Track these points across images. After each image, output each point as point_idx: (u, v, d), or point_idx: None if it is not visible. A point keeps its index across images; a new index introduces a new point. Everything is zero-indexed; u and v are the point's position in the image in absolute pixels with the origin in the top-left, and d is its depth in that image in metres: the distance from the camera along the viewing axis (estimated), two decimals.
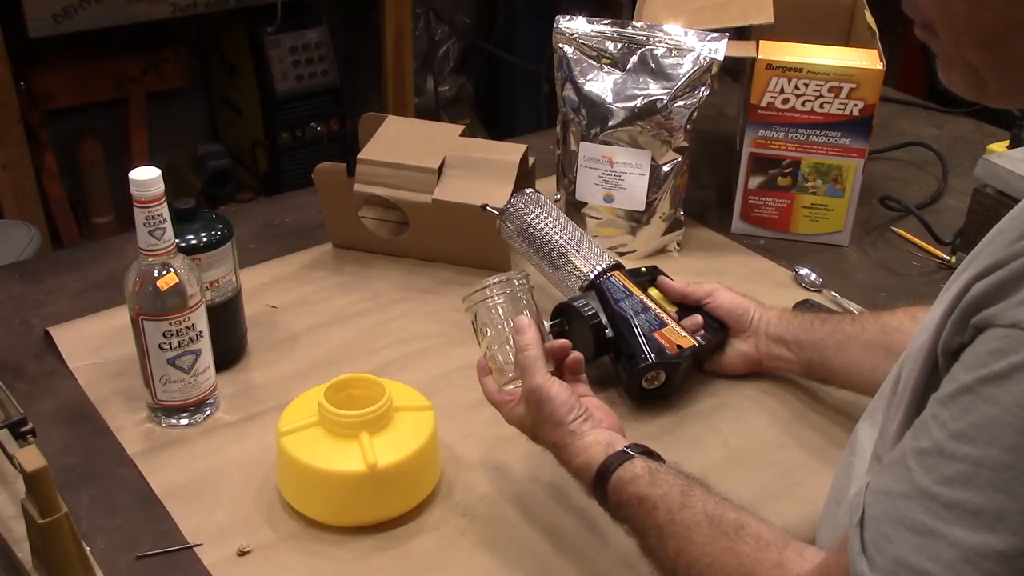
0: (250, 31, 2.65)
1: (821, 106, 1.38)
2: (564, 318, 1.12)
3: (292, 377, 1.15)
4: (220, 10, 2.50)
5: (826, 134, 1.39)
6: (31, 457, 0.80)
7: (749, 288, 1.31)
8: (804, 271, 1.35)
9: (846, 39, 1.63)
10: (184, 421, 1.08)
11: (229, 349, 1.16)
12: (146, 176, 0.96)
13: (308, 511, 0.96)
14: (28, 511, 0.82)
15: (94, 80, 2.55)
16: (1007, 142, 1.51)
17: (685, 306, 1.16)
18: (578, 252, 1.17)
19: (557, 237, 1.18)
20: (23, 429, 0.93)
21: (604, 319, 1.10)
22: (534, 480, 1.02)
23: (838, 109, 1.37)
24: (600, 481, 0.87)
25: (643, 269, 1.19)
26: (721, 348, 1.15)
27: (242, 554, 0.93)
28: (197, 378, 1.06)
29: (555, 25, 1.38)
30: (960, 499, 0.59)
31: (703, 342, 1.11)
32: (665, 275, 1.19)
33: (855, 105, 1.37)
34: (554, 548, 0.95)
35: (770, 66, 1.37)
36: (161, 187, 0.97)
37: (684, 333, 1.11)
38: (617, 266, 1.16)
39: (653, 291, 1.17)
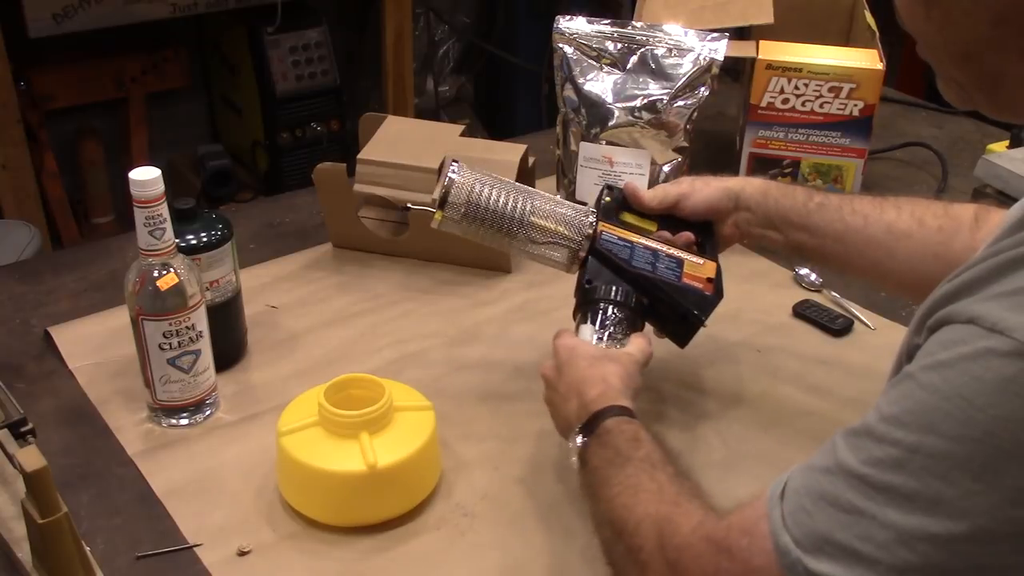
0: (250, 31, 2.65)
1: (821, 106, 1.38)
2: (590, 308, 1.01)
3: (292, 377, 1.15)
4: (220, 10, 2.50)
5: (826, 134, 1.39)
6: (31, 457, 0.80)
7: (749, 288, 1.32)
8: (804, 271, 1.35)
9: (846, 39, 1.63)
10: (184, 421, 1.08)
11: (229, 349, 1.16)
12: (146, 176, 0.96)
13: (308, 511, 0.96)
14: (28, 511, 0.82)
15: (94, 80, 2.55)
16: (1007, 142, 1.52)
17: (663, 216, 1.08)
18: (553, 216, 1.04)
19: (519, 207, 1.03)
20: (23, 429, 0.93)
21: (633, 291, 1.01)
22: (535, 480, 1.02)
23: (838, 109, 1.38)
24: (609, 410, 0.88)
25: (606, 199, 1.08)
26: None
27: (242, 554, 0.93)
28: (197, 378, 1.06)
29: (555, 25, 1.38)
30: (892, 482, 0.60)
31: (714, 259, 1.06)
32: (622, 192, 1.10)
33: (855, 105, 1.37)
34: (554, 548, 0.95)
35: (770, 66, 1.37)
36: (161, 187, 0.97)
37: (700, 260, 1.05)
38: (596, 215, 1.06)
39: (626, 216, 1.08)
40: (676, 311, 1.02)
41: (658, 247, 1.05)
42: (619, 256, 1.02)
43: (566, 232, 1.04)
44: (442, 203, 1.03)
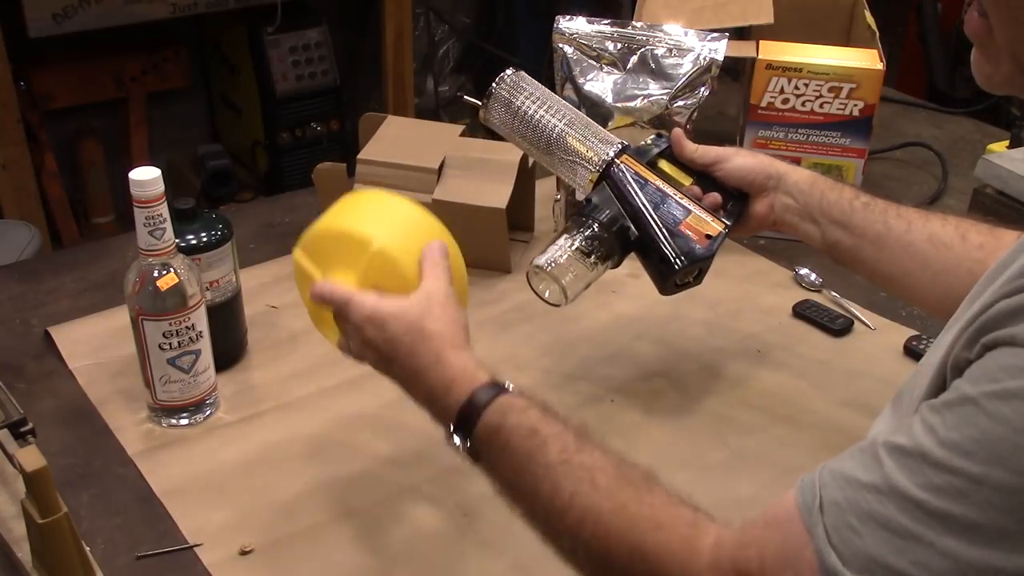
0: (250, 31, 2.65)
1: (821, 106, 1.38)
2: (577, 221, 1.05)
3: (292, 377, 1.15)
4: (220, 10, 2.50)
5: (826, 134, 1.39)
6: (31, 457, 0.80)
7: (749, 288, 1.32)
8: (804, 271, 1.35)
9: (846, 39, 1.63)
10: (184, 421, 1.08)
11: (229, 349, 1.16)
12: (146, 176, 0.96)
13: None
14: (28, 511, 0.82)
15: (94, 80, 2.56)
16: (1007, 142, 1.52)
17: (703, 176, 1.08)
18: (581, 137, 1.09)
19: (554, 122, 1.10)
20: (23, 429, 0.93)
21: (626, 220, 1.04)
22: None
23: (838, 109, 1.38)
24: (477, 401, 0.80)
25: (647, 141, 1.11)
26: (742, 216, 1.07)
27: (244, 553, 0.93)
28: (197, 378, 1.06)
29: (555, 25, 1.38)
30: (953, 512, 0.57)
31: (729, 222, 1.05)
32: (669, 142, 1.09)
33: (855, 105, 1.37)
34: None
35: (770, 66, 1.37)
36: (161, 187, 0.97)
37: (709, 218, 1.04)
38: (625, 147, 1.09)
39: (664, 164, 1.09)
40: (659, 252, 1.03)
41: (672, 193, 1.06)
42: (628, 188, 1.05)
43: (590, 155, 1.08)
44: (484, 104, 1.15)
